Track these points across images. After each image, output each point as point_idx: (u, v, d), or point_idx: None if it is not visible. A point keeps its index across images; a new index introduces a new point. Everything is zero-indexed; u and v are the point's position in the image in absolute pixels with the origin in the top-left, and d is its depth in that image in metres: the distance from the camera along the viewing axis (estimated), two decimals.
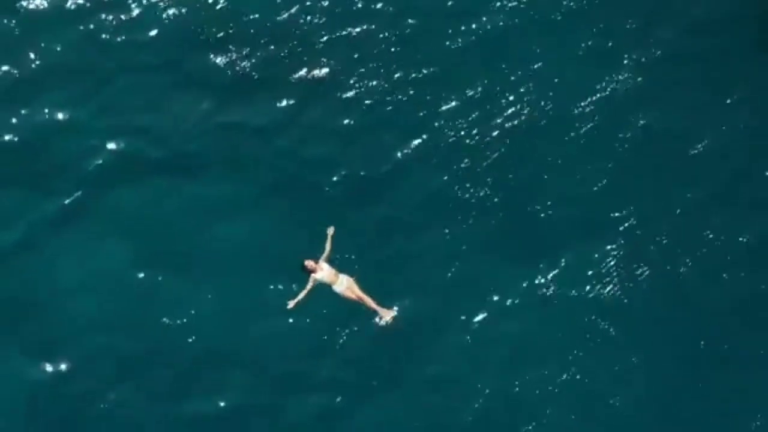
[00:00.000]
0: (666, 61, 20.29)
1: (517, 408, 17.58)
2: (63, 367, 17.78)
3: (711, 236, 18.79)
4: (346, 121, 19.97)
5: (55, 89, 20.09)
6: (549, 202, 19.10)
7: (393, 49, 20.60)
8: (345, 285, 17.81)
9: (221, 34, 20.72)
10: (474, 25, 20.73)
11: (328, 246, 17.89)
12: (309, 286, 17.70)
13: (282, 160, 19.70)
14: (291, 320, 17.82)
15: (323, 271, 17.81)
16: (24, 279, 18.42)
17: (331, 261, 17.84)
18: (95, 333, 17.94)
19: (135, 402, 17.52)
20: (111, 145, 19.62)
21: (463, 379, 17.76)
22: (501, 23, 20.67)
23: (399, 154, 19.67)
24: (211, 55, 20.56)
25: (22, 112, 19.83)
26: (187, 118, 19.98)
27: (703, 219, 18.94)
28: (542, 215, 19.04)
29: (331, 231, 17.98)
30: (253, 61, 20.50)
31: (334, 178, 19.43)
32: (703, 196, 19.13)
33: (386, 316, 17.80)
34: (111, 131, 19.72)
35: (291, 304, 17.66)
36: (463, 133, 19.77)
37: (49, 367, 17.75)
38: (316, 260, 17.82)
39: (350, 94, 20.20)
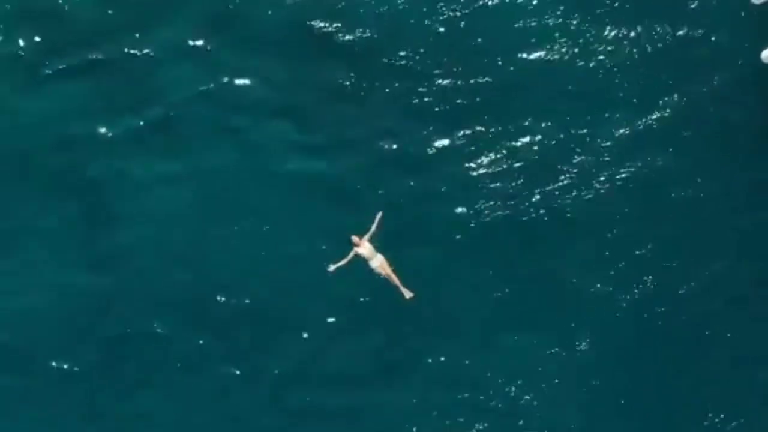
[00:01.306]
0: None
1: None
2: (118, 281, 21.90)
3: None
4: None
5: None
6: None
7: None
8: (379, 263, 21.46)
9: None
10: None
11: (373, 227, 21.47)
12: (350, 257, 21.40)
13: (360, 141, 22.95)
14: (327, 280, 21.45)
15: (364, 248, 21.49)
16: (99, 195, 22.26)
17: (372, 240, 21.53)
18: (151, 256, 21.86)
19: (170, 323, 21.69)
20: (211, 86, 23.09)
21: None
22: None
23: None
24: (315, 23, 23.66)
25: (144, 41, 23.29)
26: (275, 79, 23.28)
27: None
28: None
29: (379, 215, 21.59)
30: (349, 38, 23.36)
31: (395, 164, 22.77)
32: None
33: (406, 294, 21.46)
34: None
35: (332, 267, 21.41)
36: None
37: (108, 278, 21.78)
38: (361, 237, 21.49)
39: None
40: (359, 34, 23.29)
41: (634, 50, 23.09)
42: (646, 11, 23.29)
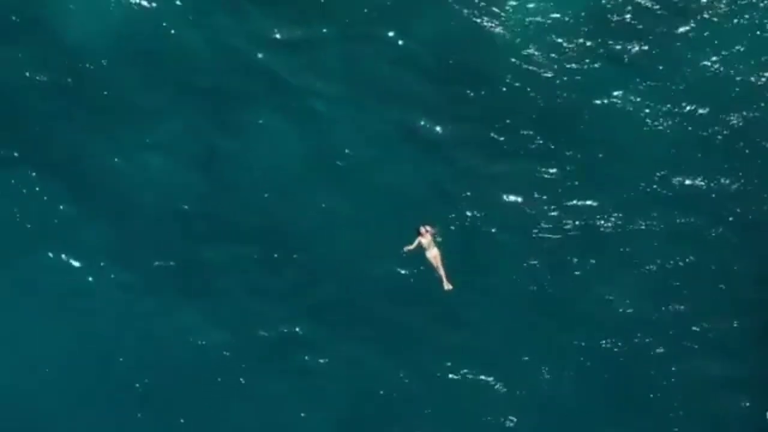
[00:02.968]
0: None
1: None
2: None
3: None
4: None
5: None
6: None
7: None
8: (433, 254, 26.05)
9: None
10: None
11: (437, 228, 26.22)
12: (415, 244, 26.07)
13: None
14: (394, 257, 26.33)
15: (426, 240, 26.11)
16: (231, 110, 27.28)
17: (434, 236, 26.13)
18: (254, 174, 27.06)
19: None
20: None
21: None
22: None
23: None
24: None
25: None
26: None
27: None
28: None
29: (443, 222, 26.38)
30: None
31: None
32: None
33: (446, 286, 25.97)
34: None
35: (405, 249, 26.12)
36: None
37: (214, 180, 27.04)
38: (427, 230, 26.17)
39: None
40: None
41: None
42: None
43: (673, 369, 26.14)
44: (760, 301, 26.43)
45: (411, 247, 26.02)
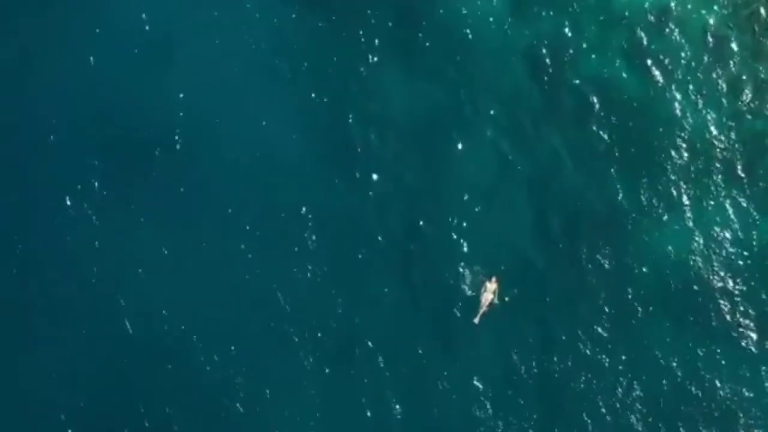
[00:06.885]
0: None
1: None
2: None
3: None
4: None
5: None
6: None
7: None
8: (486, 297, 31.48)
9: None
10: None
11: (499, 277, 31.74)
12: (481, 279, 31.78)
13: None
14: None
15: (491, 286, 31.62)
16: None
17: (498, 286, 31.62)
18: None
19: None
20: None
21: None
22: None
23: None
24: None
25: None
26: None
27: None
28: None
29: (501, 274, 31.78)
30: None
31: None
32: None
33: (476, 320, 31.28)
34: None
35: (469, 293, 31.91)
36: None
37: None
38: (497, 279, 31.59)
39: None
40: None
41: None
42: None
43: None
44: None
45: (481, 275, 31.78)
